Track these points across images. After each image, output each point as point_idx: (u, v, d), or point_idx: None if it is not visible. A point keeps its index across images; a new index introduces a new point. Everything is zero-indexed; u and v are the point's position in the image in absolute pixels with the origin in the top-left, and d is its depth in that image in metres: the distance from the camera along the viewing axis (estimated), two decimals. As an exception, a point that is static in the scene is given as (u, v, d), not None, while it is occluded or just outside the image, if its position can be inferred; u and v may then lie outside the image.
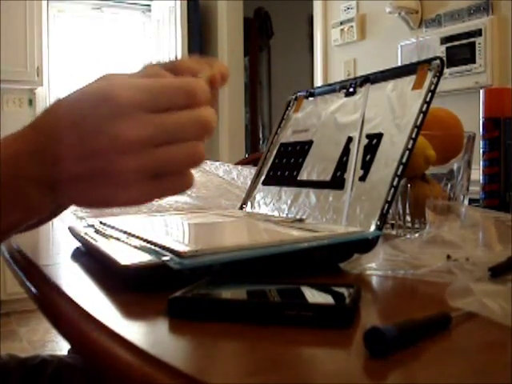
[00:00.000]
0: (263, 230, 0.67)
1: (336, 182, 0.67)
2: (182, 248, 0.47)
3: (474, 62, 2.30)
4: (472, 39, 2.31)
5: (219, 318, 0.37)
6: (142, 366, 0.31)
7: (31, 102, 4.05)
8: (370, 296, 0.47)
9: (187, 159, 0.40)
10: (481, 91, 0.90)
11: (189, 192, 0.94)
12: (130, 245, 0.55)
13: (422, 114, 0.61)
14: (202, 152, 0.40)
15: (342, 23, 3.06)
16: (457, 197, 0.77)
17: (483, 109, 0.88)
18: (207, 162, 1.28)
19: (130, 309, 0.42)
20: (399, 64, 2.51)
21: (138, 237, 0.56)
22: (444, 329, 0.36)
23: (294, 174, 0.76)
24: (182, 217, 0.76)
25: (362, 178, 0.63)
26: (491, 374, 0.30)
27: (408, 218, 0.74)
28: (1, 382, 0.72)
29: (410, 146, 0.60)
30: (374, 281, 0.52)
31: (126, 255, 0.51)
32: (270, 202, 0.78)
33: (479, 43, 2.29)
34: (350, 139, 0.68)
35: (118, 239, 0.59)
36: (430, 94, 0.62)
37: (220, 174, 1.21)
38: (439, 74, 0.63)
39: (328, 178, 0.69)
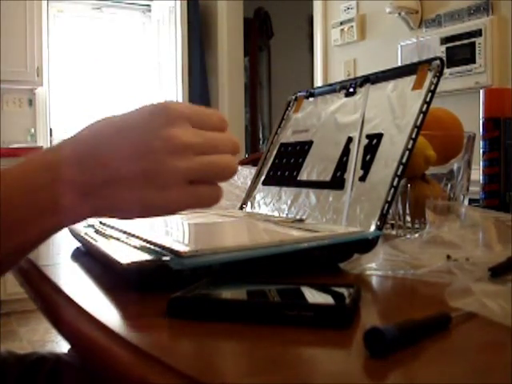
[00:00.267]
0: (263, 230, 0.67)
1: (336, 182, 0.67)
2: (182, 248, 0.47)
3: (474, 62, 2.30)
4: (472, 39, 2.31)
5: (219, 318, 0.37)
6: (141, 367, 0.31)
7: (31, 102, 4.05)
8: (369, 296, 0.47)
9: (225, 168, 0.45)
10: (481, 91, 0.90)
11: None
12: (129, 245, 0.55)
13: (421, 114, 0.61)
14: (235, 164, 0.45)
15: (341, 23, 3.06)
16: (457, 197, 0.77)
17: (483, 109, 0.88)
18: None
19: (130, 309, 0.42)
20: (399, 64, 2.51)
21: (138, 237, 0.56)
22: (444, 329, 0.36)
23: (294, 174, 0.76)
24: (182, 217, 0.76)
25: (362, 178, 0.63)
26: (491, 373, 0.30)
27: (408, 218, 0.74)
28: None
29: (409, 146, 0.60)
30: (374, 281, 0.52)
31: (126, 255, 0.51)
32: (270, 202, 0.78)
33: (479, 43, 2.29)
34: (350, 139, 0.68)
35: (117, 239, 0.59)
36: (430, 94, 0.62)
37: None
38: (439, 74, 0.63)
39: (328, 178, 0.69)
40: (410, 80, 0.66)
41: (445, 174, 0.78)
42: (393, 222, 0.75)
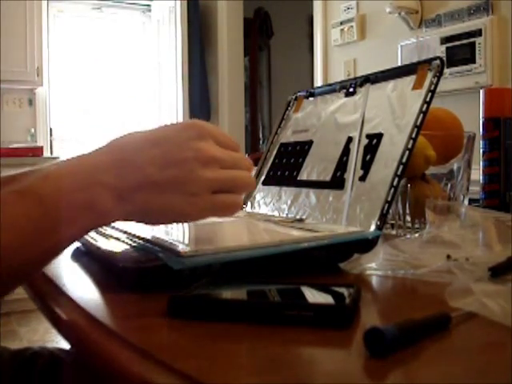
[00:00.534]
0: (263, 230, 0.67)
1: (336, 182, 0.67)
2: (182, 248, 0.47)
3: (474, 62, 2.30)
4: (472, 39, 2.31)
5: (219, 318, 0.37)
6: (141, 366, 0.31)
7: (31, 102, 4.05)
8: (369, 296, 0.47)
9: (245, 182, 0.50)
10: (481, 91, 0.90)
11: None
12: (129, 245, 0.55)
13: (421, 114, 0.61)
14: (253, 179, 0.52)
15: (341, 23, 3.06)
16: (457, 197, 0.77)
17: (483, 109, 0.88)
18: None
19: (130, 309, 0.42)
20: (399, 64, 2.51)
21: (138, 237, 0.56)
22: (444, 329, 0.36)
23: (294, 174, 0.76)
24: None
25: (362, 178, 0.63)
26: (491, 373, 0.30)
27: (408, 218, 0.74)
28: None
29: (409, 146, 0.60)
30: (374, 281, 0.52)
31: (126, 255, 0.51)
32: (269, 202, 0.78)
33: (479, 43, 2.28)
34: (349, 139, 0.68)
35: (118, 239, 0.59)
36: (430, 93, 0.62)
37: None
38: (439, 74, 0.63)
39: (328, 178, 0.69)
40: (409, 80, 0.66)
41: (445, 173, 0.78)
42: (393, 221, 0.75)
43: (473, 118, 0.96)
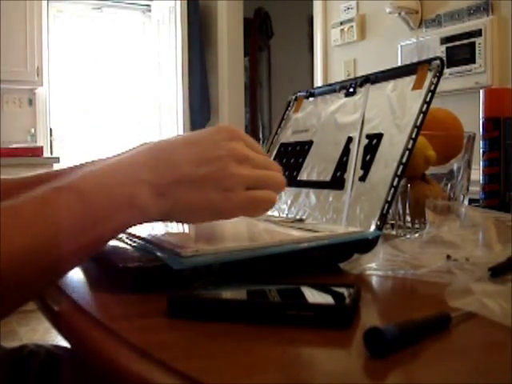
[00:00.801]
0: (263, 230, 0.67)
1: (336, 182, 0.67)
2: (181, 248, 0.47)
3: (474, 62, 2.30)
4: (472, 39, 2.31)
5: (219, 318, 0.37)
6: (141, 366, 0.31)
7: (31, 102, 4.05)
8: (369, 296, 0.47)
9: (276, 181, 0.52)
10: (481, 91, 0.90)
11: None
12: (129, 245, 0.55)
13: (421, 114, 0.61)
14: (284, 180, 0.53)
15: (341, 23, 3.06)
16: (457, 197, 0.77)
17: (483, 109, 0.88)
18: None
19: (130, 309, 0.42)
20: (399, 64, 2.51)
21: (138, 237, 0.56)
22: (444, 329, 0.36)
23: (294, 174, 0.76)
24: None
25: (362, 178, 0.63)
26: (491, 373, 0.30)
27: (408, 218, 0.74)
28: None
29: (409, 146, 0.60)
30: (374, 281, 0.52)
31: (126, 255, 0.51)
32: (269, 202, 0.78)
33: (479, 43, 2.28)
34: (349, 139, 0.68)
35: (118, 239, 0.59)
36: (430, 94, 0.62)
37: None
38: (439, 74, 0.63)
39: (328, 178, 0.69)
40: (409, 80, 0.66)
41: (445, 173, 0.78)
42: (393, 221, 0.75)
43: (473, 118, 0.96)
